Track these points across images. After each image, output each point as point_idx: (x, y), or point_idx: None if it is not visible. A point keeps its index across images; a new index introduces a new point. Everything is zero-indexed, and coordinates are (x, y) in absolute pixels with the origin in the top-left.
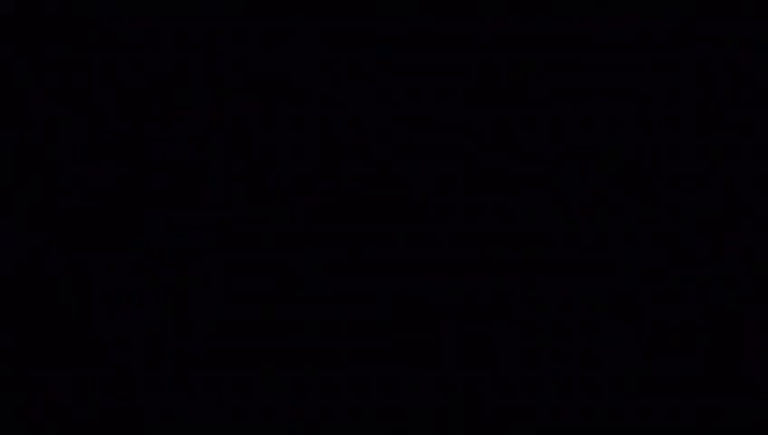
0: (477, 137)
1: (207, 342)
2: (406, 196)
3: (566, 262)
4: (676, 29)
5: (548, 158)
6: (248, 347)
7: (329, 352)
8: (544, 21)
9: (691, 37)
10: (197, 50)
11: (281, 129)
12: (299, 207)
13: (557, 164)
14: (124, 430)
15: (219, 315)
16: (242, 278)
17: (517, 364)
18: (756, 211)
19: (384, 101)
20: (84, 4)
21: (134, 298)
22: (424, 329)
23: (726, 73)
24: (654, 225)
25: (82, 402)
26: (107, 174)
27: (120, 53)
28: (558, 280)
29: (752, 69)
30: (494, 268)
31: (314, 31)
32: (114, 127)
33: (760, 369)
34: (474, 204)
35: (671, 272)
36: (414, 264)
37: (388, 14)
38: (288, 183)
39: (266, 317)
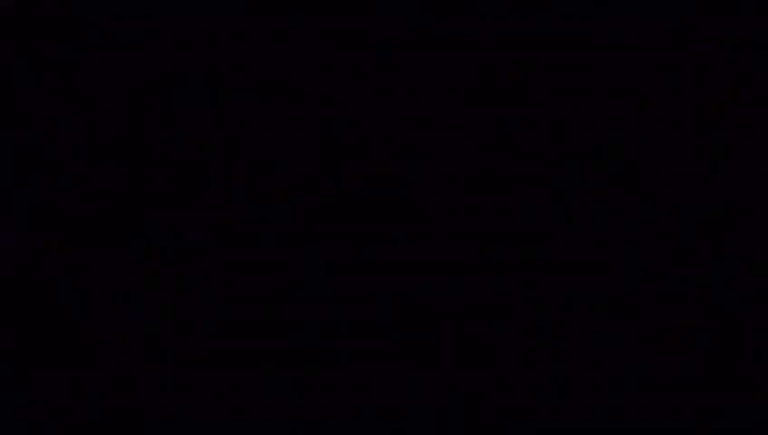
0: (477, 137)
1: (207, 342)
2: (406, 196)
3: (566, 262)
4: (676, 29)
5: (548, 158)
6: (248, 347)
7: (329, 352)
8: (544, 21)
9: (691, 37)
10: (197, 50)
11: (281, 129)
12: (299, 207)
13: (557, 164)
14: (124, 430)
15: (219, 315)
16: (242, 278)
17: (517, 364)
18: (756, 211)
19: (384, 101)
20: (84, 4)
21: (134, 298)
22: (424, 329)
23: (726, 73)
24: (654, 225)
25: (82, 402)
26: (107, 174)
27: (120, 53)
28: (558, 280)
29: (752, 69)
30: (494, 268)
31: (314, 31)
32: (114, 127)
33: (760, 369)
34: (474, 204)
35: (671, 272)
36: (414, 264)
37: (389, 14)
38: (288, 183)
39: (266, 317)
